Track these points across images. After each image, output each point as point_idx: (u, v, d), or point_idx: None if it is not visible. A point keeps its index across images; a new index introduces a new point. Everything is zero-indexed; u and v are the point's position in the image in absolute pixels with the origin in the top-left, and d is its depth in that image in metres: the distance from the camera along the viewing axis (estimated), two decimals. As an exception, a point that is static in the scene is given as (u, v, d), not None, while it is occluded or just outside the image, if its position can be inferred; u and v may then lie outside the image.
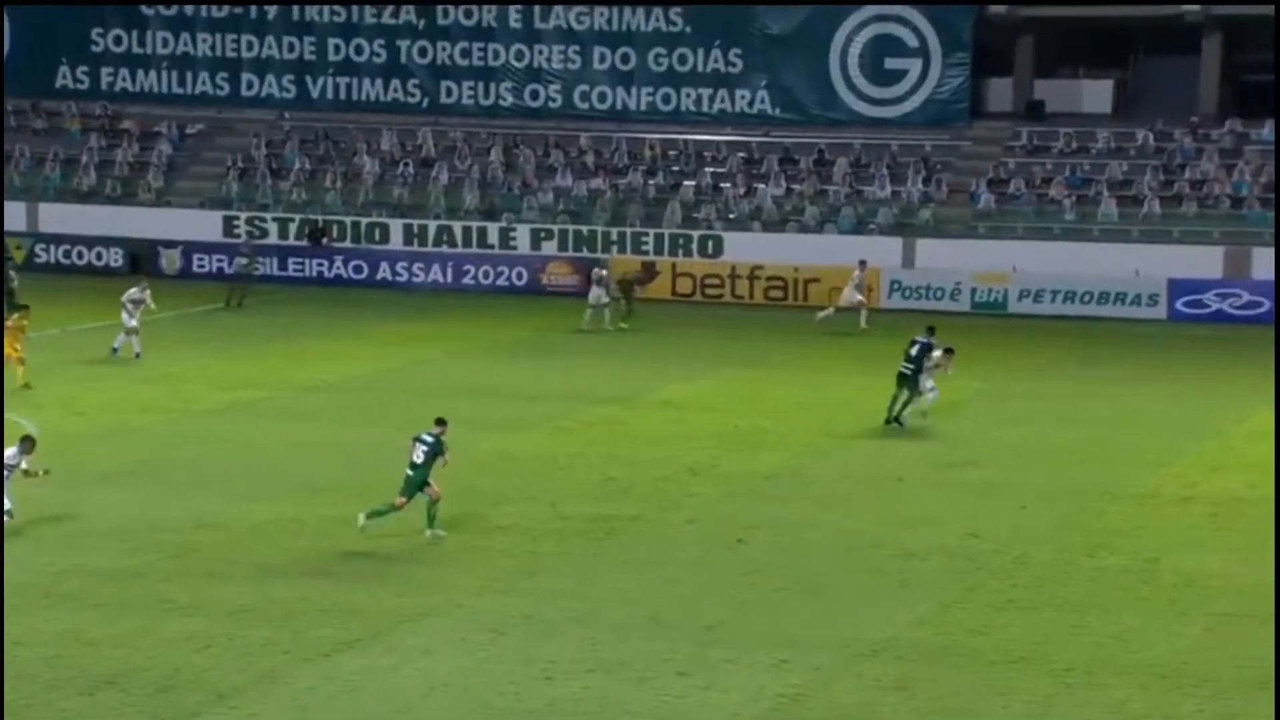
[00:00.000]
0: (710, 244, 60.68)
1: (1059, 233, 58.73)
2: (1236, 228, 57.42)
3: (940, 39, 63.44)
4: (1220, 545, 28.57)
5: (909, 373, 36.84)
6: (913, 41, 63.84)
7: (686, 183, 63.65)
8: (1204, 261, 55.98)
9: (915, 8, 63.54)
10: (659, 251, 60.35)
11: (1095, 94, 65.32)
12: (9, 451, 27.41)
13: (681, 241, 60.85)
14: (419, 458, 27.64)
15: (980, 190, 60.84)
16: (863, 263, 52.60)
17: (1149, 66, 66.27)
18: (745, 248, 60.10)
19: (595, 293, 51.36)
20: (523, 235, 62.12)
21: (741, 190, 62.85)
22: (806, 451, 35.55)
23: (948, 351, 37.32)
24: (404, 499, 27.60)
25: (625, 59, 65.98)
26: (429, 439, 27.83)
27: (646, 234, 61.26)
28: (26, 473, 27.41)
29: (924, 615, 24.62)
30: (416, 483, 27.64)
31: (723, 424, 37.85)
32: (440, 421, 28.21)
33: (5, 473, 27.12)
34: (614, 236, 61.44)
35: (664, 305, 56.29)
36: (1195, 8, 61.63)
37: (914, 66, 63.91)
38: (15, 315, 41.23)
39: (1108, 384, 43.41)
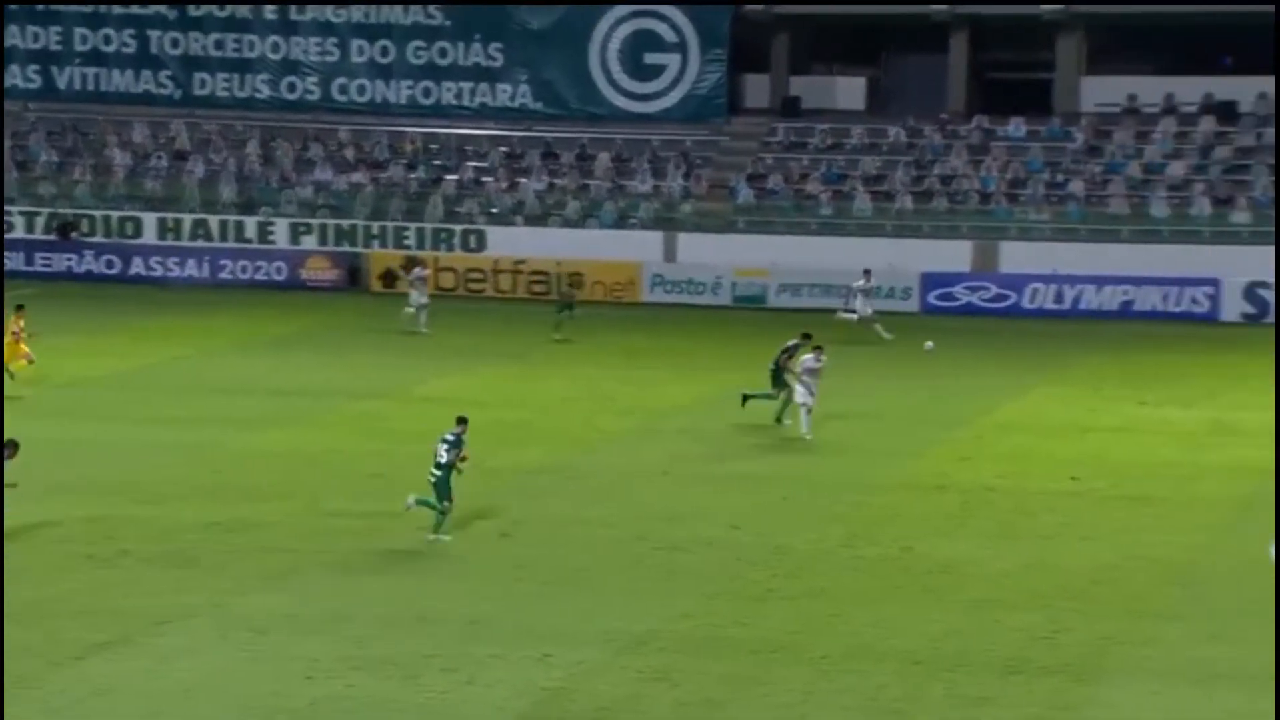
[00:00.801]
0: (473, 238, 60.56)
1: (816, 227, 59.48)
2: (985, 222, 58.59)
3: (698, 35, 64.00)
4: (971, 533, 29.19)
5: (772, 369, 37.07)
6: (671, 37, 64.31)
7: (448, 177, 63.44)
8: (954, 255, 57.07)
9: (673, 5, 64.01)
10: (421, 246, 60.09)
11: (849, 91, 66.26)
12: None
13: (444, 236, 60.66)
14: (443, 457, 27.81)
15: (739, 185, 61.44)
16: (867, 272, 50.86)
17: (900, 64, 67.45)
18: (508, 242, 60.08)
19: (415, 295, 50.28)
20: (281, 229, 61.47)
21: (504, 185, 62.81)
22: (572, 446, 35.64)
23: (817, 349, 36.81)
24: (448, 503, 27.77)
25: (384, 52, 65.57)
26: (451, 437, 27.99)
27: (408, 228, 60.99)
28: None
29: (687, 608, 24.82)
30: (445, 482, 27.70)
31: (487, 419, 37.74)
32: (461, 420, 28.41)
33: None
34: (375, 231, 61.11)
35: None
36: (942, 7, 62.85)
37: (673, 62, 64.37)
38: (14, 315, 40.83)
39: (863, 376, 44.07)
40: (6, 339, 39.58)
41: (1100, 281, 54.68)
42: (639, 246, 58.73)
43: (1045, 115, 62.43)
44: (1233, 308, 53.57)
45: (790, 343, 37.42)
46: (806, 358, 36.29)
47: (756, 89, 66.53)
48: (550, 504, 30.59)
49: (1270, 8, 59.40)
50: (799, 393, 35.93)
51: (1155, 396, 40.94)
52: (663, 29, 64.37)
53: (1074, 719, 20.78)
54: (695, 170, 62.77)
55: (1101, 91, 62.79)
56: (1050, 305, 54.59)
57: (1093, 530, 29.38)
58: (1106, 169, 59.48)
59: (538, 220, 61.29)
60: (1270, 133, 59.10)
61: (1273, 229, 55.40)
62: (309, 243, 61.13)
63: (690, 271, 58.01)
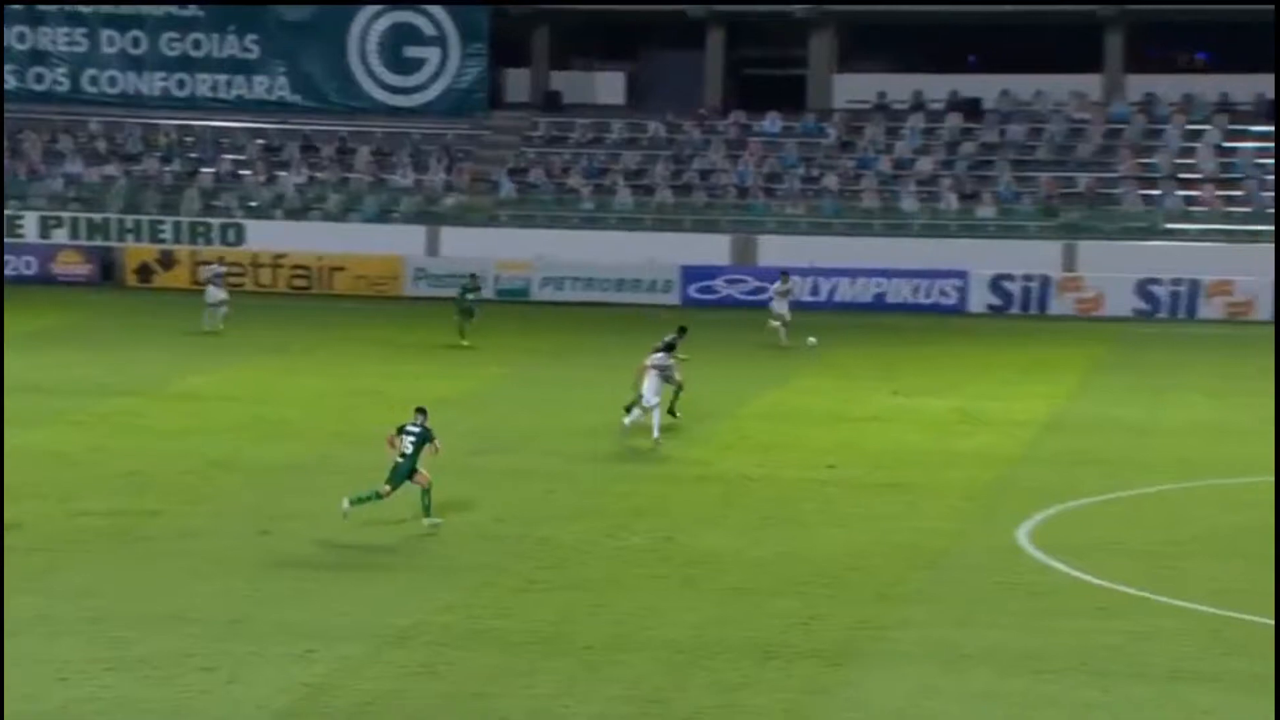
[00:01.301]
0: (231, 232, 59.88)
1: (578, 221, 59.70)
2: (742, 216, 59.25)
3: (458, 29, 63.89)
4: (731, 522, 29.50)
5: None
6: (430, 31, 64.12)
7: (205, 170, 62.58)
8: (713, 249, 57.60)
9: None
10: (178, 240, 59.33)
11: (609, 86, 66.58)
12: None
13: (201, 230, 59.89)
14: (408, 448, 27.87)
15: (502, 179, 61.44)
16: (785, 274, 50.14)
17: (658, 60, 67.87)
18: (267, 236, 59.45)
19: (213, 292, 49.18)
20: (30, 223, 60.24)
21: (262, 178, 62.14)
22: (332, 441, 35.39)
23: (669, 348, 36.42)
24: (389, 488, 27.81)
25: (136, 43, 64.57)
26: (415, 429, 28.04)
27: (164, 222, 60.11)
28: None
29: (451, 600, 24.78)
30: (404, 472, 27.86)
31: (245, 414, 37.38)
32: (421, 410, 28.42)
33: None
34: (129, 224, 60.11)
35: (184, 295, 55.19)
36: (698, 5, 63.48)
37: (433, 56, 64.20)
38: None
39: (626, 370, 44.26)
40: None
41: (854, 274, 55.59)
42: (401, 240, 58.56)
43: (799, 111, 63.31)
44: (979, 299, 54.79)
45: (671, 337, 36.94)
46: (656, 355, 35.41)
47: (517, 83, 66.62)
48: (309, 500, 30.28)
49: (1011, 8, 61.01)
50: (646, 393, 34.83)
51: (907, 386, 41.71)
52: (422, 22, 64.14)
53: (828, 701, 21.10)
54: (457, 164, 62.66)
55: (853, 88, 63.82)
56: (807, 297, 55.31)
57: (847, 517, 29.88)
58: (859, 164, 60.46)
59: (298, 214, 60.74)
60: (1013, 129, 60.58)
61: (1016, 223, 56.90)
62: (60, 236, 60.04)
63: (454, 265, 57.76)
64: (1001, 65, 62.68)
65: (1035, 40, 63.59)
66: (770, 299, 48.92)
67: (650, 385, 34.59)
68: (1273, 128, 58.75)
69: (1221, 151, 58.73)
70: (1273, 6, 59.12)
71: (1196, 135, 59.32)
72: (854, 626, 23.90)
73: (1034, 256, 55.29)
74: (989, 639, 23.38)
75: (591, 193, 60.54)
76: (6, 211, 60.31)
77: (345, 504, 27.98)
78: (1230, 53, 62.84)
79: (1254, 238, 55.36)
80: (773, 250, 56.99)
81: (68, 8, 64.60)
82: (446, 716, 20.42)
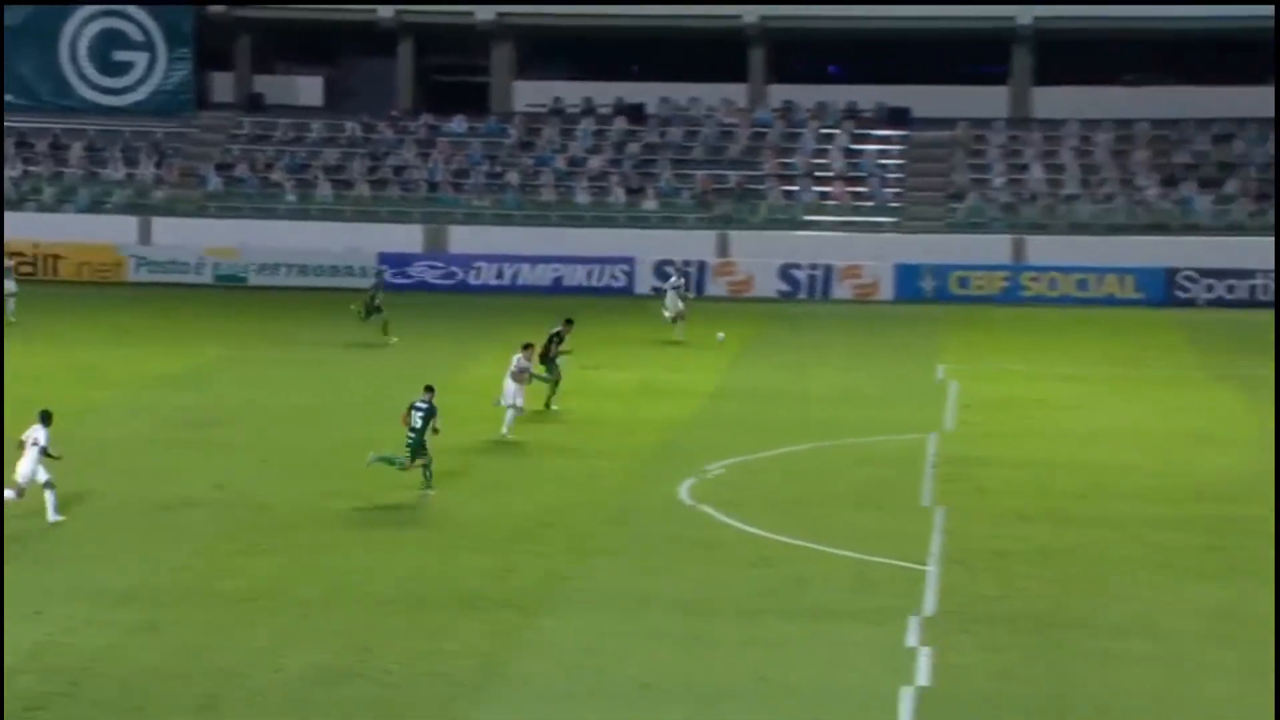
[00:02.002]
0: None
1: (283, 212, 58.78)
2: (433, 208, 58.94)
3: (164, 34, 62.57)
4: (444, 489, 29.33)
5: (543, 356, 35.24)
6: (138, 36, 62.62)
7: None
8: (407, 238, 57.27)
9: (139, 5, 62.29)
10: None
11: (308, 89, 65.81)
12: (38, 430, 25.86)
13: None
14: (416, 423, 27.58)
15: (209, 174, 60.20)
16: (678, 271, 48.21)
17: (353, 65, 67.16)
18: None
19: (9, 285, 46.48)
20: None
21: (-23, 172, 59.91)
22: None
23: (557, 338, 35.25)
24: (408, 461, 27.68)
25: None
26: (423, 405, 27.74)
27: None
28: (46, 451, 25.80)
29: (174, 562, 24.28)
30: (416, 445, 27.57)
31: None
32: (429, 389, 28.15)
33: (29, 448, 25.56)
34: None
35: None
36: (389, 15, 63.03)
37: (141, 59, 62.73)
38: None
39: (329, 348, 43.78)
40: None
41: (535, 260, 55.71)
42: (115, 229, 56.99)
43: (483, 114, 63.27)
44: (645, 282, 55.33)
45: (556, 329, 35.88)
46: (516, 357, 33.23)
47: (222, 86, 65.43)
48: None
49: (669, 24, 61.76)
50: (507, 392, 32.86)
51: (594, 361, 41.91)
52: (130, 28, 62.62)
53: (521, 645, 21.18)
54: (166, 159, 61.27)
55: (531, 94, 64.00)
56: (493, 281, 55.35)
57: (542, 479, 29.98)
58: (537, 162, 60.59)
59: (13, 205, 58.59)
60: (672, 131, 61.31)
61: (676, 215, 57.61)
62: None
63: (168, 253, 56.65)
64: (661, 75, 63.46)
65: (690, 53, 64.49)
66: (664, 292, 46.44)
67: (508, 387, 33.02)
68: (893, 131, 60.54)
69: (850, 153, 60.22)
70: (898, 25, 60.96)
71: (829, 139, 60.73)
72: (545, 578, 24.01)
73: (692, 244, 56.04)
74: (662, 585, 23.70)
75: (294, 186, 59.67)
76: None
77: (371, 456, 27.84)
78: (857, 66, 64.44)
79: (878, 228, 57.00)
80: (461, 239, 56.89)
81: None
82: (166, 669, 20.00)
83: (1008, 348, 44.99)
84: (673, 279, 47.03)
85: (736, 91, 62.98)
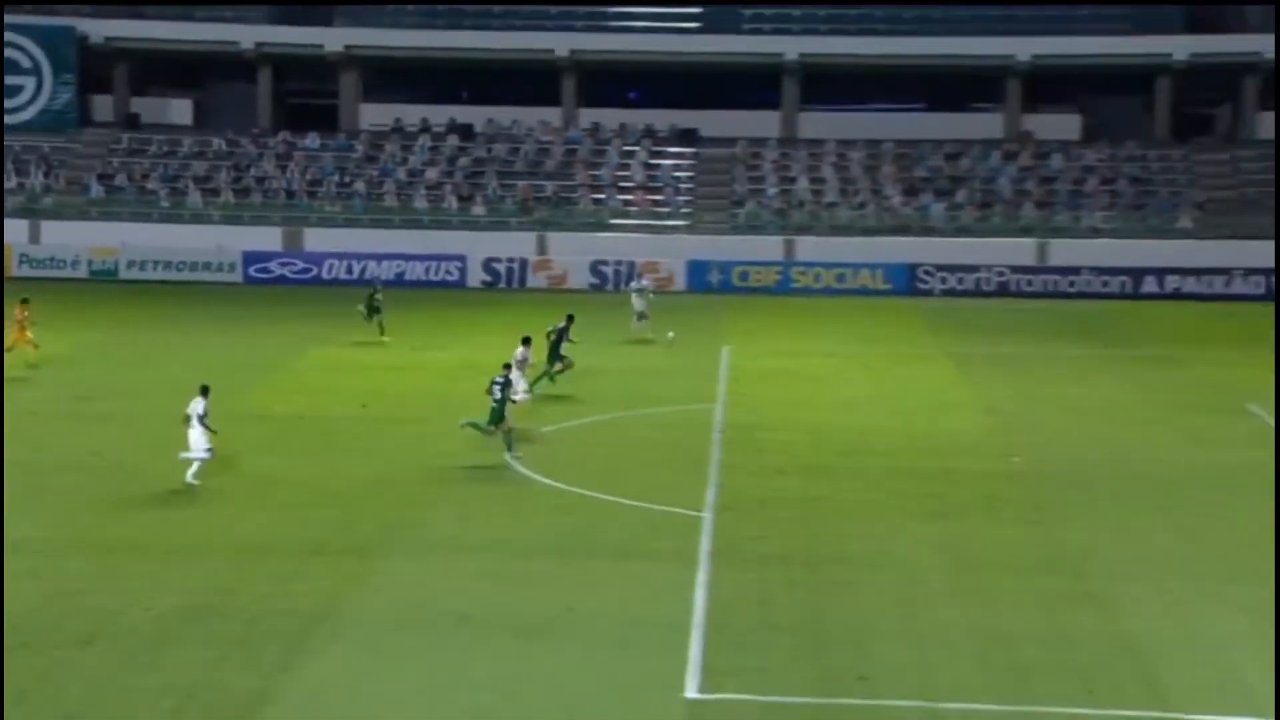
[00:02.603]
0: None
1: (158, 216, 57.53)
2: (291, 213, 58.04)
3: (50, 61, 60.89)
4: (286, 450, 29.07)
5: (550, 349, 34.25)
6: (27, 63, 60.88)
7: None
8: (268, 238, 56.36)
9: (25, 35, 60.62)
10: None
11: (179, 109, 64.46)
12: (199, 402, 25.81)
13: None
14: (496, 394, 27.54)
15: (91, 183, 58.72)
16: (641, 275, 46.60)
17: (219, 89, 65.79)
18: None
19: None
20: None
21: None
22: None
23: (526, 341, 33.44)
24: (493, 428, 27.57)
25: None
26: (500, 380, 27.75)
27: None
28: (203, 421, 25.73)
29: (54, 518, 23.82)
30: (497, 414, 27.50)
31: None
32: (507, 366, 28.53)
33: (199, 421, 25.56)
34: None
35: None
36: (250, 45, 61.95)
37: (29, 83, 61.02)
38: (19, 306, 36.20)
39: (200, 333, 42.99)
40: (14, 328, 35.42)
41: (380, 257, 55.12)
42: (7, 231, 55.30)
43: (334, 132, 62.46)
44: (475, 277, 55.07)
45: (560, 325, 35.12)
46: (517, 350, 31.70)
47: (103, 106, 63.80)
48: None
49: (495, 55, 61.58)
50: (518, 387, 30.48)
51: (422, 343, 41.77)
52: (19, 56, 60.86)
53: (362, 585, 21.11)
54: (54, 170, 59.59)
55: (375, 115, 63.31)
56: (344, 276, 54.67)
57: (379, 445, 29.75)
58: (381, 173, 59.97)
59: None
60: (498, 148, 61.07)
61: (502, 219, 57.45)
62: None
63: (52, 251, 55.15)
64: (488, 99, 63.23)
65: (512, 80, 64.23)
66: (641, 298, 42.97)
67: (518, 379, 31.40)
68: (684, 149, 60.98)
69: (648, 167, 60.46)
70: (688, 58, 61.38)
71: (630, 154, 60.90)
72: (382, 528, 23.92)
73: (515, 244, 55.88)
74: (484, 533, 23.74)
75: (168, 194, 58.38)
76: None
77: (463, 420, 27.99)
78: (654, 93, 64.74)
79: (672, 230, 57.26)
80: (316, 239, 56.13)
81: None
82: (49, 610, 19.66)
83: (780, 331, 45.61)
84: (635, 282, 45.52)
85: (552, 114, 62.92)
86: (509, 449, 28.08)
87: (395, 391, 35.18)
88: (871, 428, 31.69)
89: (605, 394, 34.94)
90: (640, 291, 43.18)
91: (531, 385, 32.81)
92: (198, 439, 25.74)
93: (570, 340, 35.39)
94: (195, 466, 25.80)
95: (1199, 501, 25.74)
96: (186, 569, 21.48)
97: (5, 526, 22.91)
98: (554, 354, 34.92)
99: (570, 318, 36.05)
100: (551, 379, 34.62)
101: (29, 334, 36.17)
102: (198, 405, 25.95)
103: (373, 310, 41.65)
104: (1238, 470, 27.88)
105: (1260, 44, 58.92)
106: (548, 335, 35.01)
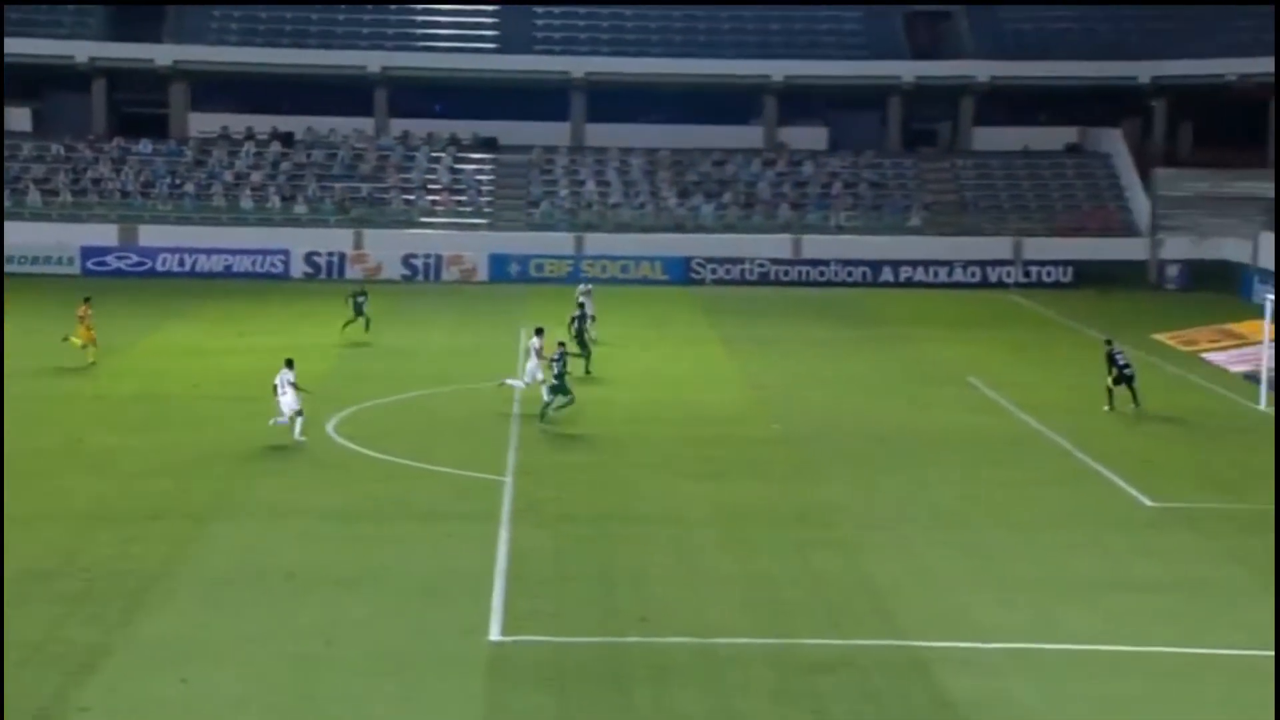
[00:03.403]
0: None
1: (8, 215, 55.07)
2: (127, 211, 55.99)
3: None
4: (125, 427, 28.11)
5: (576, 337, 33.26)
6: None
7: None
8: (105, 234, 54.34)
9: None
10: None
11: (19, 118, 61.38)
12: (286, 373, 26.73)
13: None
14: (556, 370, 28.19)
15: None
16: (586, 280, 42.67)
17: (57, 99, 63.04)
18: None
19: None
20: None
21: None
22: None
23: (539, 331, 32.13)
24: (570, 397, 28.32)
25: None
26: (558, 358, 28.32)
27: None
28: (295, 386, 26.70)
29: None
30: (560, 388, 28.14)
31: None
32: (561, 344, 28.94)
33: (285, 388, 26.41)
34: None
35: None
36: (85, 58, 59.68)
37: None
38: (82, 305, 34.58)
39: (38, 323, 41.35)
40: (80, 326, 33.51)
41: (209, 252, 53.64)
42: None
43: (165, 138, 60.47)
44: (298, 269, 53.95)
45: (575, 313, 34.81)
46: (532, 340, 30.66)
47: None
48: None
49: (316, 71, 60.35)
50: (529, 369, 30.27)
51: (250, 329, 40.84)
52: None
53: (197, 546, 20.62)
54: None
55: (203, 123, 61.50)
56: (176, 269, 53.04)
57: (210, 421, 29.01)
58: (209, 176, 58.33)
59: None
60: (316, 153, 59.90)
61: (322, 217, 56.38)
62: None
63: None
64: (307, 110, 61.82)
65: (329, 92, 62.58)
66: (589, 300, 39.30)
67: (529, 365, 30.43)
68: (485, 155, 60.63)
69: (453, 171, 59.95)
70: (489, 76, 60.99)
71: (437, 160, 60.30)
72: (215, 496, 23.37)
73: (334, 239, 54.85)
74: (308, 499, 23.37)
75: (9, 195, 55.83)
76: None
77: (546, 395, 28.22)
78: (458, 106, 64.01)
79: (475, 227, 56.89)
80: (149, 235, 54.29)
81: None
82: (-92, 579, 18.76)
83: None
84: (582, 286, 41.44)
85: (365, 123, 61.90)
86: (543, 417, 28.31)
87: (228, 372, 34.35)
88: (653, 400, 31.98)
89: (419, 373, 34.63)
90: (588, 295, 39.67)
91: (587, 369, 32.87)
92: (290, 402, 26.58)
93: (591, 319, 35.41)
94: (299, 424, 26.63)
95: (928, 460, 26.60)
96: (30, 536, 20.69)
97: None
98: (582, 343, 34.38)
99: (581, 306, 36.11)
100: (588, 370, 33.78)
101: (91, 332, 34.69)
102: (287, 375, 26.79)
103: (358, 312, 39.15)
104: (961, 432, 28.89)
105: (974, 68, 61.07)
106: (579, 325, 34.55)
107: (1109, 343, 31.69)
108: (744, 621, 18.02)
